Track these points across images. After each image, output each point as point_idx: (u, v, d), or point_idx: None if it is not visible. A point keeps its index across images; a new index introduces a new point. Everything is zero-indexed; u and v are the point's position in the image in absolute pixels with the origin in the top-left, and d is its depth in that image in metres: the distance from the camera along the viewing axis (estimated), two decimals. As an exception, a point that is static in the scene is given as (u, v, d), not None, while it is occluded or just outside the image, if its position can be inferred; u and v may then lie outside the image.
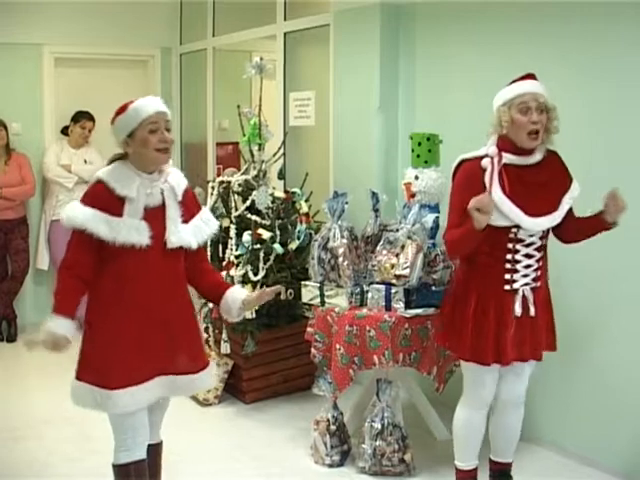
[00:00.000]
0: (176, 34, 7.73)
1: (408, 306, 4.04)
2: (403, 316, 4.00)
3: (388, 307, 4.07)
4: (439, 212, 4.31)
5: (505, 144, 3.38)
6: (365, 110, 5.24)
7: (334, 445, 4.22)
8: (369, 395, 4.30)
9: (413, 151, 4.45)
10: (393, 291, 4.06)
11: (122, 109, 3.08)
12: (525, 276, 3.42)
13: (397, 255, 4.10)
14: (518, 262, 3.40)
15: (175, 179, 3.18)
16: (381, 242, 4.23)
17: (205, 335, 5.34)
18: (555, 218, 3.41)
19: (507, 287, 3.41)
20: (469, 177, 3.42)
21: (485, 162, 3.37)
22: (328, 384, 4.19)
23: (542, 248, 3.46)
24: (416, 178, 4.37)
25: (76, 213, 3.00)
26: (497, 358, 3.44)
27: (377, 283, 4.15)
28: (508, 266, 3.41)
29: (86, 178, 6.58)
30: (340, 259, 4.25)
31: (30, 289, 6.95)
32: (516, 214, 3.33)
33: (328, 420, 4.23)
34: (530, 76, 3.39)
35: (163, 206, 3.11)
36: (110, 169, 3.10)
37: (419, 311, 4.03)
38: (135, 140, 3.05)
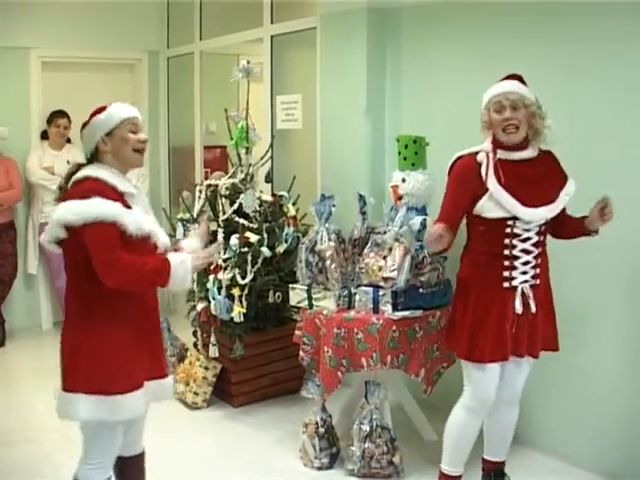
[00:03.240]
0: (163, 38, 7.73)
1: (396, 308, 4.05)
2: (391, 318, 4.01)
3: (376, 309, 4.08)
4: (426, 214, 4.32)
5: (496, 141, 3.47)
6: (352, 113, 5.24)
7: (323, 448, 4.23)
8: (357, 397, 4.31)
9: (400, 154, 4.46)
10: (381, 293, 4.07)
11: (100, 110, 3.05)
12: (524, 273, 3.45)
13: (385, 257, 4.11)
14: (516, 258, 3.43)
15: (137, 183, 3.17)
16: (368, 245, 4.25)
17: (193, 339, 5.35)
18: (553, 209, 3.44)
19: (506, 284, 3.44)
20: (465, 170, 3.51)
21: (480, 156, 3.47)
22: (316, 387, 4.19)
23: (539, 244, 3.48)
24: (403, 181, 4.38)
25: (99, 207, 2.81)
26: (496, 356, 3.46)
27: (365, 285, 4.16)
28: (506, 263, 3.44)
29: None
30: (328, 262, 4.26)
31: (19, 293, 6.94)
32: (512, 204, 3.37)
33: (317, 423, 4.24)
34: (511, 77, 3.47)
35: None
36: (96, 169, 2.98)
37: (407, 313, 4.04)
38: (114, 138, 3.01)
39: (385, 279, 4.06)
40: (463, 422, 3.62)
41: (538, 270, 3.48)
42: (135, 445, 3.25)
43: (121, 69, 7.66)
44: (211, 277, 4.87)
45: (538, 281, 3.49)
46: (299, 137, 6.19)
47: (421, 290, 4.13)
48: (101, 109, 3.06)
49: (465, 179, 3.49)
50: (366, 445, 4.03)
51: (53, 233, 2.91)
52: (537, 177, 3.44)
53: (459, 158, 3.57)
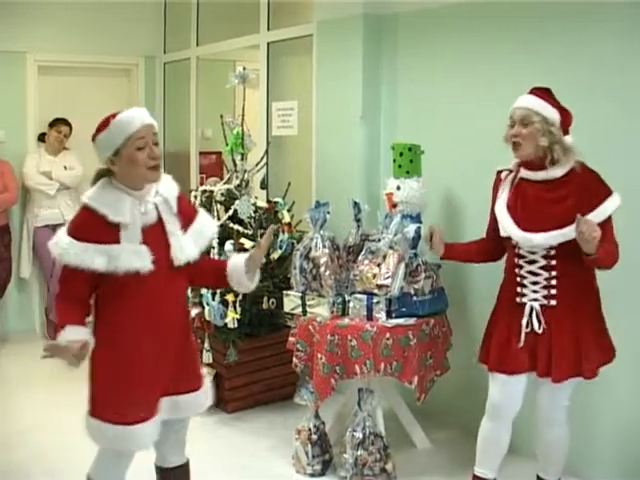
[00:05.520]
0: (160, 43, 7.74)
1: (389, 316, 4.06)
2: (384, 326, 4.02)
3: (370, 317, 4.08)
4: (421, 222, 4.34)
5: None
6: (347, 120, 5.25)
7: (316, 454, 4.22)
8: (351, 404, 4.30)
9: (395, 161, 4.47)
10: (375, 301, 4.08)
11: (104, 124, 2.82)
12: (535, 292, 3.42)
13: (379, 265, 4.12)
14: (525, 278, 3.44)
15: (167, 189, 2.95)
16: (363, 252, 4.25)
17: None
18: (556, 236, 3.28)
19: (518, 300, 3.46)
20: (494, 188, 3.62)
21: (504, 174, 3.56)
22: (310, 393, 4.19)
23: (551, 268, 3.37)
24: (398, 188, 4.39)
25: (67, 249, 2.75)
26: (496, 366, 3.50)
27: (359, 293, 4.16)
28: (518, 279, 3.46)
29: (68, 184, 6.69)
30: (322, 269, 4.26)
31: (13, 297, 6.92)
32: (508, 225, 3.42)
33: (310, 429, 4.24)
34: (533, 90, 3.40)
35: (160, 222, 2.89)
36: (96, 192, 2.84)
37: (400, 321, 4.05)
38: (121, 159, 2.79)
39: (379, 286, 4.07)
40: (482, 424, 3.64)
41: (553, 291, 3.38)
42: (172, 457, 3.23)
43: (117, 74, 7.66)
44: (205, 283, 4.88)
45: (553, 302, 3.38)
46: (294, 144, 6.21)
47: (415, 298, 4.14)
48: (105, 123, 2.83)
49: (493, 195, 3.60)
50: (359, 452, 4.02)
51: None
52: (550, 200, 3.33)
53: (498, 172, 3.63)
